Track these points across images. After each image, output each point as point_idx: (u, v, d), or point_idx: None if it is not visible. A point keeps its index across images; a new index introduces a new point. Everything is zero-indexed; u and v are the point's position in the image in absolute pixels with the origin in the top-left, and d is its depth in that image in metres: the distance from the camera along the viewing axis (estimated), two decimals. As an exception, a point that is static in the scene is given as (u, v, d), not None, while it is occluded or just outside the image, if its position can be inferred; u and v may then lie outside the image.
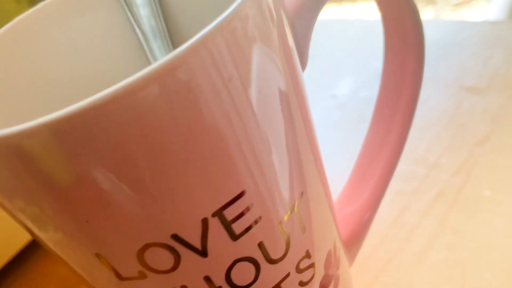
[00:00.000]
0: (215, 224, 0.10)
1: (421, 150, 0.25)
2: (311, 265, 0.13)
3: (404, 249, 0.21)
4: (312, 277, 0.13)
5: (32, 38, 0.14)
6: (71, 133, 0.08)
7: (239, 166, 0.10)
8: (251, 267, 0.11)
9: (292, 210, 0.12)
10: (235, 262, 0.11)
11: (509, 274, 0.19)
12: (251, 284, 0.12)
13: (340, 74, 0.33)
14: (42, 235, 0.11)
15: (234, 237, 0.11)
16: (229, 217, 0.10)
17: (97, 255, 0.10)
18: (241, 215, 0.10)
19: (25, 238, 0.27)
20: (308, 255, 0.13)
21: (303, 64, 0.13)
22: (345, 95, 0.31)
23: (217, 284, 0.11)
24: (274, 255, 0.12)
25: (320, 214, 0.13)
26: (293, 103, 0.11)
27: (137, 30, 0.15)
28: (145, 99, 0.08)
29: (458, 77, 0.29)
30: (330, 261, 0.14)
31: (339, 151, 0.27)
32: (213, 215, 0.10)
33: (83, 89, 0.15)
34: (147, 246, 0.10)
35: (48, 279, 0.26)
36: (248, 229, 0.11)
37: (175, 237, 0.10)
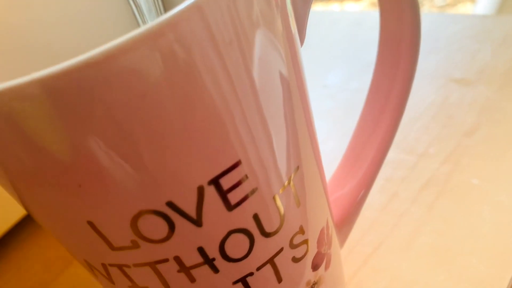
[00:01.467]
0: (210, 193, 0.10)
1: (410, 140, 0.25)
2: (305, 241, 0.13)
3: (393, 235, 0.21)
4: (305, 254, 0.13)
5: (25, 8, 0.14)
6: (64, 91, 0.08)
7: (235, 134, 0.10)
8: (245, 240, 0.11)
9: (288, 183, 0.12)
10: (230, 233, 0.11)
11: (495, 260, 0.19)
12: (245, 257, 0.11)
13: (331, 66, 0.33)
14: (33, 203, 0.10)
15: (230, 207, 0.10)
16: (225, 186, 0.10)
17: (89, 223, 0.10)
18: (237, 184, 0.10)
19: (8, 221, 0.27)
20: (301, 231, 0.13)
21: (301, 39, 0.12)
22: (336, 85, 0.31)
23: (211, 256, 0.11)
24: (268, 228, 0.11)
25: (314, 190, 0.13)
26: (291, 77, 0.11)
27: (132, 4, 0.15)
28: (139, 59, 0.08)
29: (447, 70, 0.29)
30: (323, 239, 0.14)
31: (330, 139, 0.27)
32: (209, 183, 0.10)
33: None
34: (141, 213, 0.10)
35: (32, 263, 0.26)
36: (243, 199, 0.11)
37: (170, 204, 0.10)
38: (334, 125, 0.28)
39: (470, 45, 0.30)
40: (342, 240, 0.17)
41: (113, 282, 0.12)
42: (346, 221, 0.17)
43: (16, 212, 0.27)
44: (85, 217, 0.10)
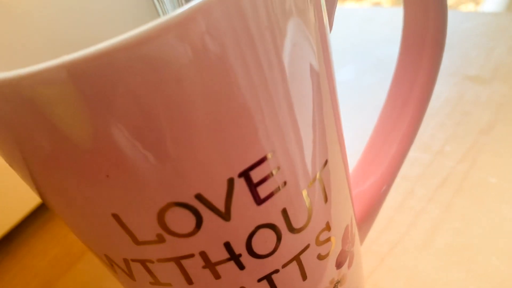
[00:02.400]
0: (240, 186, 0.10)
1: (425, 137, 0.25)
2: (330, 239, 0.12)
3: (409, 234, 0.21)
4: (330, 251, 0.13)
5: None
6: (91, 76, 0.07)
7: (266, 127, 0.09)
8: (272, 235, 0.11)
9: (316, 178, 0.11)
10: (257, 228, 0.10)
11: (515, 260, 0.18)
12: (271, 253, 0.11)
13: (343, 62, 0.32)
14: (54, 194, 0.10)
15: (259, 201, 0.10)
16: (255, 179, 0.10)
17: (114, 216, 0.10)
18: (266, 178, 0.10)
19: (14, 218, 0.26)
20: (328, 227, 0.12)
21: (330, 25, 0.12)
22: (348, 81, 0.31)
23: (237, 252, 0.11)
24: (296, 224, 0.11)
25: (341, 186, 0.13)
26: (322, 70, 0.11)
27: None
28: (169, 46, 0.07)
29: (461, 67, 0.28)
30: (348, 236, 0.13)
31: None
32: (240, 175, 0.09)
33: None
34: (169, 206, 0.09)
35: (37, 259, 0.26)
36: (272, 194, 0.10)
37: (199, 197, 0.09)
38: (347, 122, 0.28)
39: (484, 42, 0.30)
40: (362, 238, 0.17)
41: (134, 279, 0.12)
42: (366, 218, 0.16)
43: (21, 208, 0.27)
44: (111, 209, 0.09)
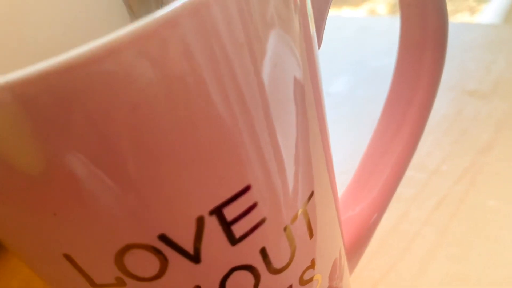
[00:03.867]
0: (212, 224, 0.08)
1: (421, 155, 0.24)
2: (316, 277, 0.11)
3: (403, 260, 0.19)
4: (316, 290, 0.11)
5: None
6: (38, 99, 0.06)
7: (244, 154, 0.08)
8: (249, 278, 0.10)
9: (300, 212, 0.10)
10: (232, 270, 0.09)
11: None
12: (248, 297, 0.10)
13: (336, 73, 0.31)
14: (2, 228, 0.09)
15: (233, 241, 0.09)
16: (229, 217, 0.08)
17: (66, 256, 0.08)
18: (243, 215, 0.09)
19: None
20: (313, 265, 0.11)
21: (318, 44, 0.11)
22: (341, 93, 0.29)
23: (209, 296, 0.09)
24: (276, 264, 0.10)
25: (329, 219, 0.11)
26: (308, 87, 0.10)
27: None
28: (129, 63, 0.06)
29: (460, 81, 0.27)
30: (335, 271, 0.12)
31: (334, 152, 0.25)
32: (211, 213, 0.08)
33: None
34: (128, 247, 0.08)
35: (11, 277, 0.24)
36: (250, 232, 0.09)
37: (163, 238, 0.08)
38: (338, 137, 0.27)
39: (483, 55, 0.29)
40: (352, 268, 0.16)
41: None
42: (356, 246, 0.15)
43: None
44: (62, 249, 0.08)
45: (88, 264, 0.08)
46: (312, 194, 0.10)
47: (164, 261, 0.08)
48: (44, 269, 0.09)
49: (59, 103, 0.06)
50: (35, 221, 0.08)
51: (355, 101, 0.29)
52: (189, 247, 0.08)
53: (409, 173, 0.23)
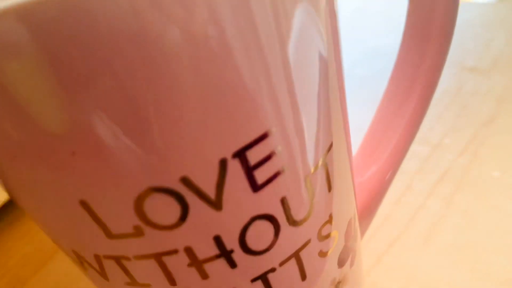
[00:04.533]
0: (235, 168, 0.08)
1: (423, 129, 0.24)
2: (333, 233, 0.11)
3: (408, 231, 0.19)
4: (333, 248, 0.11)
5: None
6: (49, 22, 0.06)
7: (266, 99, 0.08)
8: (269, 229, 0.09)
9: (321, 162, 0.10)
10: (253, 219, 0.09)
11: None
12: (268, 249, 0.10)
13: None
14: (15, 181, 0.08)
15: (255, 187, 0.09)
16: (252, 161, 0.08)
17: (82, 204, 0.08)
18: (265, 160, 0.08)
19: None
20: (330, 220, 0.11)
21: None
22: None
23: (229, 247, 0.09)
24: (296, 215, 0.10)
25: (345, 174, 0.11)
26: (330, 55, 0.09)
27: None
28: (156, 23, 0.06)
29: (460, 59, 0.27)
30: (351, 231, 0.12)
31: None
32: (234, 155, 0.08)
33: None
34: (149, 191, 0.08)
35: (6, 258, 0.24)
36: (271, 179, 0.09)
37: (185, 180, 0.08)
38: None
39: (483, 33, 0.29)
40: (362, 233, 0.16)
41: (107, 278, 0.10)
42: (367, 211, 0.15)
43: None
44: (78, 195, 0.08)
45: (105, 212, 0.08)
46: (331, 145, 0.10)
47: (185, 207, 0.08)
48: (57, 223, 0.09)
49: (71, 37, 0.06)
50: (52, 162, 0.07)
51: (354, 79, 0.29)
52: (211, 191, 0.08)
53: (412, 147, 0.23)
